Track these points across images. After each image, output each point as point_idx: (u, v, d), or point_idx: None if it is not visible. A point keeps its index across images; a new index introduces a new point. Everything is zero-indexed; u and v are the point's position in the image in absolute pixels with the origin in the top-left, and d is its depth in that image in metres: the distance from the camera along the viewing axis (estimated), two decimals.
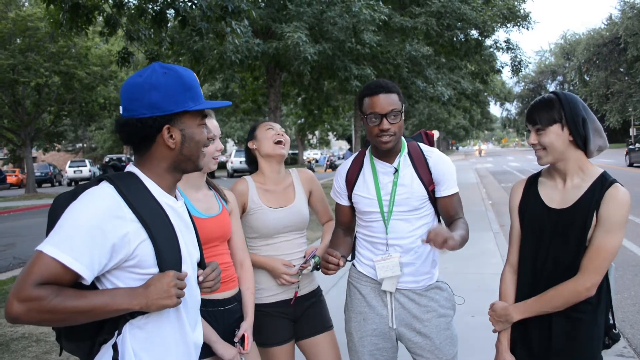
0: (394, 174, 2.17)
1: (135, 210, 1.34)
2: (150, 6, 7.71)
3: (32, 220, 13.20)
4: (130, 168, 1.47)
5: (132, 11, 8.04)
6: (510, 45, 17.85)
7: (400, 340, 2.25)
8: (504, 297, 2.00)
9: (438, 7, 13.88)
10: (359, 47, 12.61)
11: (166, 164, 1.46)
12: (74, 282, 1.29)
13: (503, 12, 15.93)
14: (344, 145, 66.04)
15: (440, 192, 2.19)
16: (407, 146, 2.23)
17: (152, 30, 7.92)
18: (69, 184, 32.76)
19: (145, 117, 1.39)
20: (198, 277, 1.58)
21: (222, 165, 31.99)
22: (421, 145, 2.27)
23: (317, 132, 50.43)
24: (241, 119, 37.40)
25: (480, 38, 16.01)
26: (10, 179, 32.08)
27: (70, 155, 51.48)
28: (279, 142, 2.44)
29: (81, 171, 33.31)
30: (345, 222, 2.37)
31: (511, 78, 55.75)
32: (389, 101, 2.08)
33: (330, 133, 52.07)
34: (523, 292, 1.93)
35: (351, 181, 2.27)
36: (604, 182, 1.80)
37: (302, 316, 2.46)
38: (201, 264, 1.62)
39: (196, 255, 1.57)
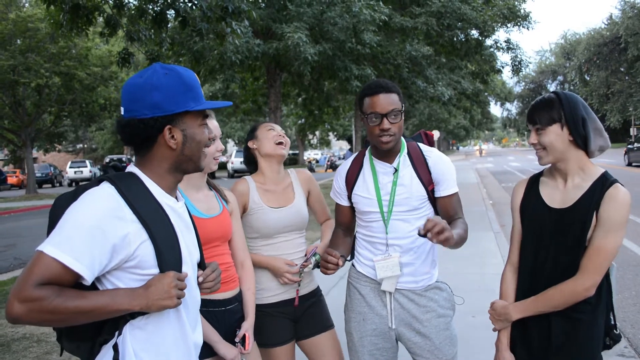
0: (393, 174, 2.18)
1: (135, 211, 1.35)
2: (151, 7, 7.71)
3: (33, 221, 13.20)
4: (131, 168, 1.47)
5: (133, 12, 8.05)
6: (511, 45, 17.86)
7: (399, 340, 2.25)
8: (504, 296, 2.00)
9: (438, 7, 13.89)
10: (359, 47, 12.62)
11: (167, 164, 1.46)
12: (74, 282, 1.30)
13: (503, 12, 15.94)
14: (344, 145, 66.00)
15: (440, 192, 2.19)
16: (407, 146, 2.23)
17: (152, 30, 7.93)
18: (70, 185, 32.83)
19: (147, 117, 1.39)
20: (198, 277, 1.58)
21: (222, 166, 31.97)
22: (421, 145, 2.27)
23: (317, 133, 50.47)
24: (241, 120, 37.44)
25: (480, 38, 16.03)
26: (11, 180, 32.10)
27: (71, 156, 51.53)
28: (279, 143, 2.46)
29: (82, 172, 33.38)
30: (345, 222, 2.37)
31: (511, 78, 55.91)
32: (389, 101, 2.08)
33: (330, 133, 52.10)
34: (523, 291, 1.93)
35: (351, 181, 2.27)
36: (604, 182, 1.80)
37: (303, 316, 2.46)
38: (201, 265, 1.62)
39: (196, 256, 1.57)
